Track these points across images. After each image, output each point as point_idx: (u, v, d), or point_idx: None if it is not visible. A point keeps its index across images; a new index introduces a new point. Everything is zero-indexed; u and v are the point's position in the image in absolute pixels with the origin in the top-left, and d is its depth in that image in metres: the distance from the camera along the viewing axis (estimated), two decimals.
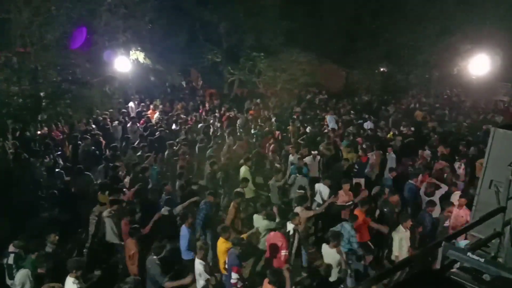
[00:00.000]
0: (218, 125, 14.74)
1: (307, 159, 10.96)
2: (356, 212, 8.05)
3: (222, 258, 6.84)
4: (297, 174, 9.90)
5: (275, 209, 8.10)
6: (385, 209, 8.56)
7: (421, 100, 21.89)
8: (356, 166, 11.16)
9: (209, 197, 8.34)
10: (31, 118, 11.64)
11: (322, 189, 9.38)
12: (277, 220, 7.69)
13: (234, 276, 6.28)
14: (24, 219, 7.91)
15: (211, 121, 15.19)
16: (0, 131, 11.31)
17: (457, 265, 3.38)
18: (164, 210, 8.10)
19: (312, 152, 11.36)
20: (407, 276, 3.12)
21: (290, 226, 7.57)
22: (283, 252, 6.81)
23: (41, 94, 11.77)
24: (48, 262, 5.88)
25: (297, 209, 8.21)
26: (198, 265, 6.31)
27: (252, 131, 14.17)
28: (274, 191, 9.80)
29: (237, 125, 14.89)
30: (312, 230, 9.61)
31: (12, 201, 8.41)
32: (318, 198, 9.38)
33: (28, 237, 6.58)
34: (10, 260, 6.30)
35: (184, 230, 7.35)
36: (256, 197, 10.09)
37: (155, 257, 6.33)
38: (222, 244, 6.89)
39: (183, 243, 7.32)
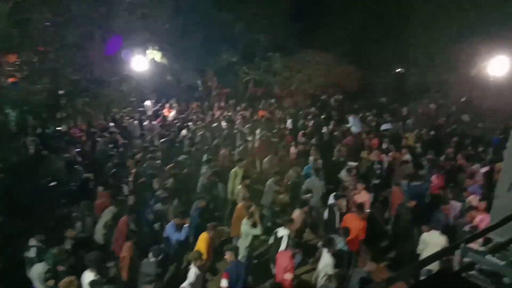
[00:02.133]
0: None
1: (342, 174, 10.32)
2: (350, 217, 7.88)
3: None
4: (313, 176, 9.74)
5: (257, 217, 7.72)
6: (402, 212, 8.62)
7: (439, 102, 21.61)
8: (379, 166, 11.06)
9: (200, 202, 8.26)
10: (50, 115, 11.89)
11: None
12: (258, 229, 7.51)
13: (224, 282, 6.18)
14: (44, 213, 8.09)
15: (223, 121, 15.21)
16: (21, 127, 11.60)
17: (476, 267, 3.36)
18: (158, 206, 8.20)
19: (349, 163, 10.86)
20: (427, 276, 3.12)
21: (283, 232, 7.38)
22: (287, 276, 6.43)
23: (60, 92, 12.02)
24: (69, 259, 5.98)
25: (296, 212, 8.15)
26: (193, 273, 6.20)
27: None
28: (268, 192, 9.52)
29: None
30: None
31: (32, 196, 8.59)
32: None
33: (48, 232, 6.74)
34: (32, 253, 6.46)
35: (171, 225, 7.47)
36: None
37: (153, 259, 6.32)
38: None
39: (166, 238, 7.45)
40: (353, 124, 15.19)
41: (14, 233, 7.26)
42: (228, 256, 6.36)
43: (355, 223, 7.63)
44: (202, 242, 6.88)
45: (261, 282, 7.57)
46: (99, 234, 7.68)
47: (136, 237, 6.88)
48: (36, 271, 5.86)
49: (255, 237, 7.53)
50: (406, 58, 23.23)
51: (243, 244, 7.55)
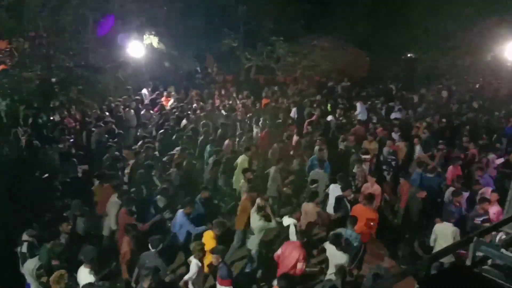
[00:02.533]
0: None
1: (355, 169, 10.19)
2: (358, 208, 7.89)
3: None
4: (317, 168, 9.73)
5: (268, 210, 7.77)
6: (411, 204, 8.67)
7: (452, 89, 21.47)
8: (393, 157, 11.08)
9: (203, 193, 8.29)
10: (43, 104, 11.88)
11: (334, 190, 8.97)
12: (273, 222, 7.50)
13: None
14: (37, 207, 8.12)
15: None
16: (12, 117, 11.61)
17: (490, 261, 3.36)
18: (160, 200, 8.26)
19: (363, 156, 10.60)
20: (438, 270, 3.13)
21: (288, 221, 7.38)
22: (299, 265, 6.43)
23: (53, 79, 11.99)
24: (63, 253, 6.03)
25: (308, 205, 8.10)
26: (195, 265, 6.27)
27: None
28: (273, 182, 9.60)
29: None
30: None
31: (25, 189, 8.64)
32: (331, 199, 8.93)
33: (42, 226, 6.77)
34: (24, 248, 6.50)
35: (180, 215, 7.53)
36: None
37: (153, 250, 6.35)
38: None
39: (178, 228, 7.52)
40: (360, 111, 15.13)
41: (7, 227, 7.32)
42: (215, 259, 6.31)
43: (366, 214, 7.64)
44: (208, 241, 6.86)
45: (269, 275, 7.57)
46: (106, 230, 7.82)
47: (135, 231, 6.88)
48: (28, 266, 5.91)
49: (269, 230, 7.54)
50: (417, 42, 23.03)
51: (255, 239, 7.56)
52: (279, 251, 6.78)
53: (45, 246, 6.20)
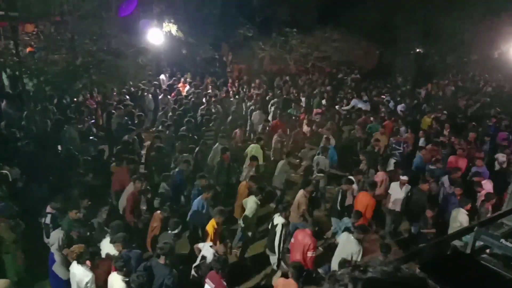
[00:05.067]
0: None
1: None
2: (361, 194, 7.87)
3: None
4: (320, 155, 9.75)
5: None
6: (415, 196, 8.58)
7: (458, 84, 21.12)
8: (396, 146, 11.04)
9: (201, 180, 7.83)
10: (67, 86, 11.96)
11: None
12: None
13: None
14: (60, 182, 8.23)
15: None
16: (39, 97, 11.73)
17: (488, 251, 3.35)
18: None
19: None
20: (437, 257, 3.13)
21: (278, 220, 6.82)
22: (309, 254, 6.22)
23: (77, 63, 12.04)
24: (82, 226, 6.12)
25: (299, 192, 7.92)
26: (208, 249, 6.05)
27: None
28: (280, 174, 9.24)
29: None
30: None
31: (50, 165, 8.76)
32: None
33: (64, 199, 6.85)
34: (48, 220, 6.62)
35: (197, 202, 7.26)
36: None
37: (170, 232, 6.27)
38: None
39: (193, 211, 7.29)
40: (359, 105, 14.90)
41: (33, 199, 7.45)
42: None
43: (364, 200, 7.68)
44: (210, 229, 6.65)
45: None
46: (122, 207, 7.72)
47: (168, 212, 6.79)
48: (53, 237, 6.01)
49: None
50: (427, 37, 22.62)
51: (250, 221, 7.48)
52: (292, 240, 6.61)
53: (67, 217, 6.28)
